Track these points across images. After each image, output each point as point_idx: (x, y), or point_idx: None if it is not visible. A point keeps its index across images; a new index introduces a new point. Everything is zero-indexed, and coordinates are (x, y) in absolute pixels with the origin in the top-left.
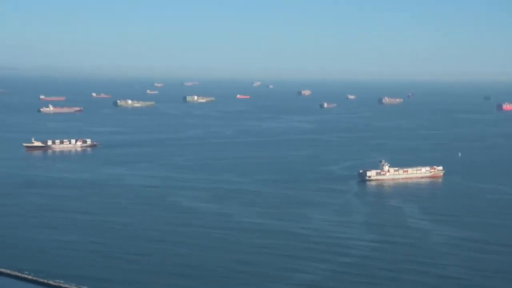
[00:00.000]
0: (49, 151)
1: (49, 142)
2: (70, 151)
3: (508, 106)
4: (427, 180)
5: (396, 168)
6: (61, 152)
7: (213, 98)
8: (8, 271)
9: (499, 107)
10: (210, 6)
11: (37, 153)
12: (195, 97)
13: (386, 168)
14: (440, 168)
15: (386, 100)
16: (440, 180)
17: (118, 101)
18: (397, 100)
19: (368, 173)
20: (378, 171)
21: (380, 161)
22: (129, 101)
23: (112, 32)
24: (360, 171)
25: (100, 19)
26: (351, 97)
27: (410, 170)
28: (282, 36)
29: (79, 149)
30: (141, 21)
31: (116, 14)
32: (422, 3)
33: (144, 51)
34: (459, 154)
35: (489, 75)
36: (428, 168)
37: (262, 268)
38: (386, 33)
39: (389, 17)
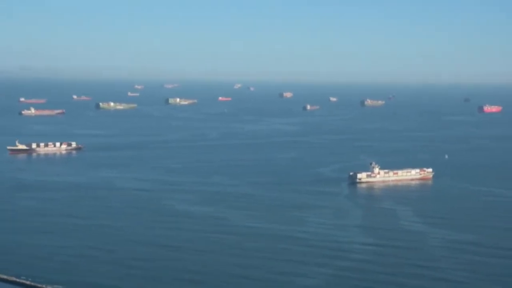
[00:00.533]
0: (34, 154)
1: (34, 145)
2: (55, 154)
3: (489, 108)
4: (417, 182)
5: (386, 170)
6: (46, 155)
7: (195, 101)
8: (5, 277)
9: (480, 109)
10: (189, 8)
11: (22, 156)
12: (178, 100)
13: (376, 170)
14: (430, 170)
15: (368, 102)
16: (429, 182)
17: (101, 104)
18: (379, 102)
19: (359, 175)
20: (369, 173)
21: (371, 163)
22: (112, 104)
23: (90, 34)
24: (351, 173)
25: (77, 20)
26: (333, 99)
27: (400, 172)
28: (262, 39)
29: (64, 152)
30: (120, 23)
31: (94, 16)
32: (400, 4)
33: (124, 53)
34: (446, 156)
35: (468, 77)
36: (418, 170)
37: (263, 272)
38: (366, 36)
39: (368, 19)
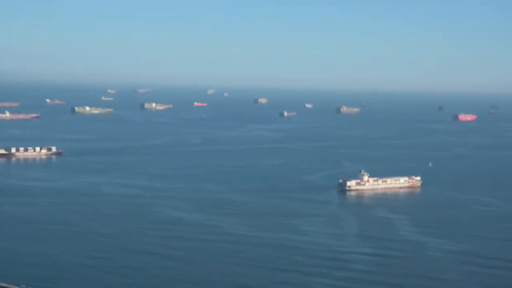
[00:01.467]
0: (13, 159)
1: (13, 150)
2: (34, 159)
3: (463, 116)
4: (406, 190)
5: (376, 178)
6: (26, 160)
7: (171, 106)
8: (5, 285)
9: (455, 117)
10: (160, 12)
11: (1, 161)
12: (153, 104)
13: (365, 178)
14: (418, 178)
15: (344, 109)
16: (418, 190)
17: (76, 108)
18: (355, 109)
19: (348, 183)
20: (358, 181)
21: (360, 171)
22: (87, 108)
23: (60, 37)
24: (340, 181)
25: (45, 23)
26: (309, 105)
27: (389, 180)
28: (235, 44)
29: (43, 157)
30: (90, 26)
31: (65, 18)
32: (367, 12)
33: (95, 57)
34: (430, 164)
35: (441, 86)
36: (406, 178)
37: (261, 283)
38: (340, 42)
39: (337, 26)
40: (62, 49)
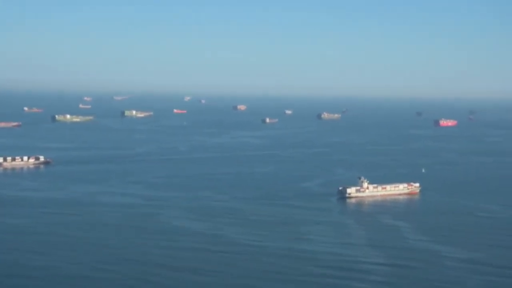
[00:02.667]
0: (1, 169)
1: (0, 159)
2: (22, 168)
3: (444, 122)
4: (405, 196)
5: (375, 185)
6: (13, 169)
7: (151, 113)
8: None
9: (436, 122)
10: (134, 18)
11: None
12: (134, 112)
13: (365, 185)
14: (417, 184)
15: (325, 115)
16: (417, 196)
17: (57, 116)
18: (336, 115)
19: (348, 190)
20: (358, 188)
21: (359, 178)
22: (68, 116)
23: (35, 46)
24: (340, 188)
25: (19, 31)
26: (289, 112)
27: (388, 186)
28: (211, 50)
29: (31, 166)
30: (62, 34)
31: (39, 26)
32: (343, 16)
33: (68, 65)
34: (423, 170)
35: (417, 92)
36: (405, 185)
37: None
38: (311, 48)
39: (316, 31)
40: (36, 57)
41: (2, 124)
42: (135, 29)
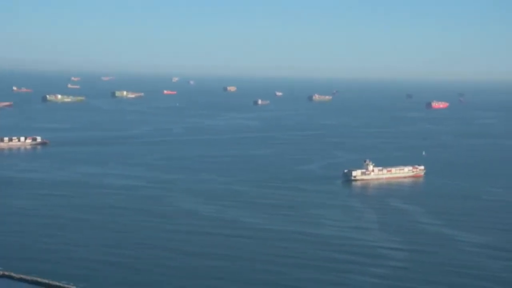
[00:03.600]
0: None
1: None
2: (19, 149)
3: (436, 104)
4: (410, 179)
5: (380, 168)
6: (10, 150)
7: (142, 94)
8: (26, 277)
9: (428, 105)
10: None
11: None
12: (124, 92)
13: (370, 167)
14: (422, 167)
15: (316, 97)
16: (422, 179)
17: (48, 96)
18: (327, 97)
19: (354, 173)
20: (363, 170)
21: (365, 161)
22: (59, 96)
23: (20, 25)
24: (345, 170)
25: (6, 10)
26: (279, 93)
27: (393, 169)
28: (197, 30)
29: (28, 147)
30: (49, 14)
31: (24, 5)
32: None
33: (54, 44)
34: (424, 153)
35: (406, 74)
36: (410, 168)
37: (295, 281)
38: (301, 30)
39: (305, 12)
40: (23, 36)
41: None
42: (120, 9)
